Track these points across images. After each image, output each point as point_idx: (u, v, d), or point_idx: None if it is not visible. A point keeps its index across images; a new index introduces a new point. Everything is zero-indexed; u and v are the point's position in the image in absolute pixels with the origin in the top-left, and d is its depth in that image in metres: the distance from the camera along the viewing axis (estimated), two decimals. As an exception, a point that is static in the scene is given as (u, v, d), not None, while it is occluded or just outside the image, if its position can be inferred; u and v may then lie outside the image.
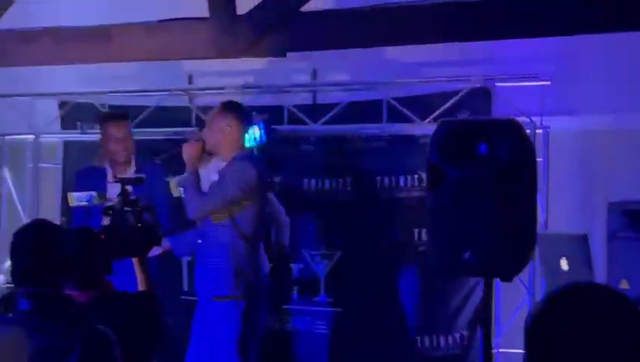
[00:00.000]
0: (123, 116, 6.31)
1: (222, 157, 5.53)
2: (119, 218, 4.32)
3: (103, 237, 4.14)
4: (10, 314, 3.29)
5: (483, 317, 4.20)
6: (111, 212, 4.36)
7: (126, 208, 4.36)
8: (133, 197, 4.45)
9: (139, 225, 4.31)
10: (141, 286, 4.32)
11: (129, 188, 4.50)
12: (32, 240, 3.33)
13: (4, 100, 6.94)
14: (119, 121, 6.17)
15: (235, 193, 5.32)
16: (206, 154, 5.57)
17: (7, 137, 7.16)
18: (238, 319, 5.35)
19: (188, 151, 5.44)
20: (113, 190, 5.95)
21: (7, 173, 7.17)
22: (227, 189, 5.33)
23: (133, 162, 6.19)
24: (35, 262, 3.27)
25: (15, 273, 3.30)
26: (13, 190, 7.14)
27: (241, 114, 5.53)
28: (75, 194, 4.86)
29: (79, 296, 3.76)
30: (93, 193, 4.73)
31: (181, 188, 5.56)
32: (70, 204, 4.86)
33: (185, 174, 5.49)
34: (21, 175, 7.20)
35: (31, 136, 7.13)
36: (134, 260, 4.37)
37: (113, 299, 3.89)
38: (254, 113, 6.18)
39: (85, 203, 4.79)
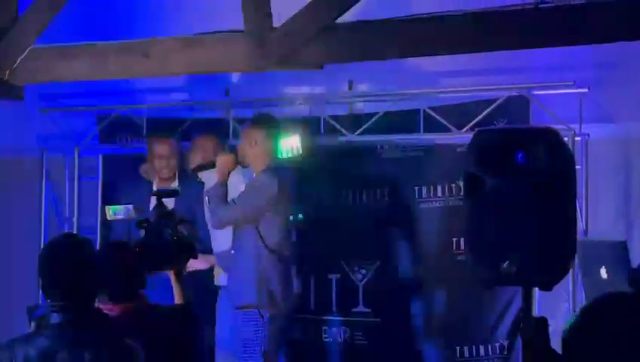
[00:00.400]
0: (169, 133, 6.38)
1: (253, 169, 5.67)
2: (154, 231, 4.33)
3: (137, 250, 4.16)
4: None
5: (523, 327, 4.16)
6: (145, 225, 4.37)
7: (162, 221, 4.37)
8: (169, 210, 4.47)
9: (175, 238, 4.32)
10: (177, 300, 4.33)
11: (166, 200, 4.53)
12: (61, 254, 3.32)
13: (44, 115, 7.03)
14: (163, 138, 6.25)
15: (254, 206, 5.54)
16: (240, 165, 5.71)
17: (47, 151, 7.24)
18: (260, 328, 5.45)
19: (221, 163, 5.65)
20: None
21: (47, 187, 7.25)
22: (247, 202, 5.55)
23: (176, 178, 6.26)
24: (64, 275, 3.26)
25: (45, 287, 3.30)
26: (53, 204, 7.22)
27: (270, 127, 5.67)
28: (111, 207, 4.90)
29: (112, 309, 3.78)
30: (130, 206, 4.76)
31: (207, 198, 5.68)
32: (108, 218, 4.89)
33: (213, 184, 5.65)
34: (61, 189, 7.27)
35: (70, 150, 7.20)
36: (170, 273, 4.38)
37: (147, 313, 3.90)
38: (291, 124, 6.23)
39: (122, 216, 4.82)
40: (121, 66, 5.30)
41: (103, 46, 5.34)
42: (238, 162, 5.73)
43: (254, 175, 5.74)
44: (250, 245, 5.58)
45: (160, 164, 6.21)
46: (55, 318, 3.21)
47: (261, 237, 5.56)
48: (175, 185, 6.19)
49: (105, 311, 3.66)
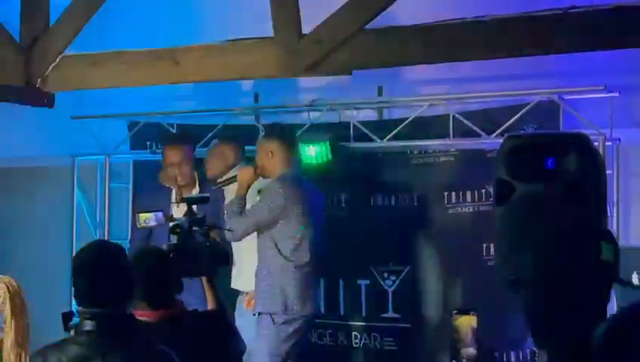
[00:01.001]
0: (181, 139, 6.37)
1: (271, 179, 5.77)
2: (187, 237, 4.35)
3: (172, 256, 4.17)
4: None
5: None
6: (178, 230, 4.39)
7: (193, 227, 4.38)
8: (200, 217, 4.48)
9: (208, 244, 4.34)
10: (210, 305, 4.35)
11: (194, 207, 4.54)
12: (93, 262, 3.32)
13: (75, 122, 7.09)
14: (175, 145, 6.24)
15: (263, 215, 5.63)
16: (261, 177, 5.83)
17: (78, 158, 7.29)
18: (274, 335, 5.48)
19: (241, 176, 5.79)
20: (176, 211, 6.07)
21: (78, 194, 7.31)
22: (257, 212, 5.66)
23: (197, 183, 6.27)
24: (96, 283, 3.26)
25: (78, 294, 3.29)
26: (84, 210, 7.27)
27: (284, 137, 5.74)
28: (142, 215, 4.91)
29: (149, 315, 3.80)
30: (160, 214, 4.76)
31: (225, 211, 5.76)
32: (138, 226, 4.90)
33: (232, 198, 5.76)
34: (92, 195, 7.32)
35: (101, 157, 7.25)
36: (203, 279, 4.39)
37: (183, 319, 3.91)
38: (320, 130, 6.25)
39: (153, 223, 4.83)
40: (152, 73, 5.32)
41: (134, 53, 5.37)
42: (259, 174, 5.82)
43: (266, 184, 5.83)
44: (265, 253, 5.67)
45: (172, 172, 6.21)
46: (87, 325, 3.20)
47: (275, 245, 5.63)
48: (196, 191, 6.22)
49: (140, 318, 3.68)
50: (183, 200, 4.83)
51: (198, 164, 6.40)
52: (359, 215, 6.44)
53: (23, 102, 5.69)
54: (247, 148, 6.35)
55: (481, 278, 6.03)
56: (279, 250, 5.63)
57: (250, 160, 6.04)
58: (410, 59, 5.07)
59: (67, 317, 3.33)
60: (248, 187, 5.80)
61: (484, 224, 6.02)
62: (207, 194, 4.98)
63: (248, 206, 5.75)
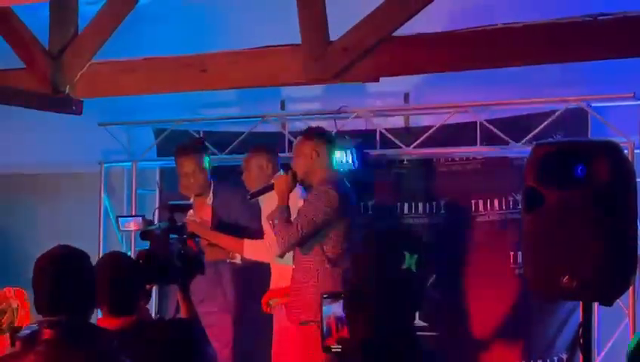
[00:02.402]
0: (192, 149, 6.31)
1: (311, 183, 5.56)
2: (159, 243, 4.19)
3: (141, 262, 4.03)
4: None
5: (582, 341, 4.12)
6: (149, 237, 4.26)
7: (170, 235, 4.25)
8: (179, 224, 4.37)
9: (182, 252, 4.17)
10: (184, 314, 4.15)
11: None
12: (54, 268, 3.21)
13: (103, 129, 7.12)
14: (188, 155, 6.20)
15: (319, 219, 5.39)
16: (298, 184, 5.63)
17: (105, 164, 7.33)
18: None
19: (278, 185, 5.52)
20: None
21: (105, 200, 7.34)
22: (312, 216, 5.39)
23: (211, 191, 6.23)
24: (56, 289, 3.16)
25: (37, 302, 3.19)
26: (111, 216, 7.30)
27: (326, 138, 5.59)
28: (121, 218, 4.85)
29: (111, 323, 3.69)
30: (139, 218, 4.72)
31: (270, 223, 5.57)
32: (119, 229, 4.84)
33: (275, 208, 5.53)
34: (119, 201, 7.35)
35: (128, 163, 7.28)
36: (178, 288, 4.22)
37: (147, 327, 3.63)
38: (346, 137, 6.23)
39: (132, 228, 4.75)
40: (179, 80, 5.35)
41: (161, 60, 5.40)
42: (299, 180, 5.59)
43: (312, 189, 5.59)
44: (310, 260, 5.48)
45: (186, 181, 6.19)
46: (46, 334, 3.08)
47: (323, 251, 5.44)
48: (210, 199, 6.22)
49: (101, 325, 3.59)
50: (166, 205, 4.72)
51: (213, 171, 6.37)
52: (385, 222, 6.42)
53: (51, 109, 5.72)
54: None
55: (509, 287, 6.00)
56: (328, 256, 5.43)
57: (284, 167, 5.80)
58: (437, 67, 5.07)
59: (14, 332, 3.23)
60: (288, 194, 5.53)
61: (512, 232, 6.00)
62: (190, 201, 4.92)
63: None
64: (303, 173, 5.55)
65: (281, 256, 5.60)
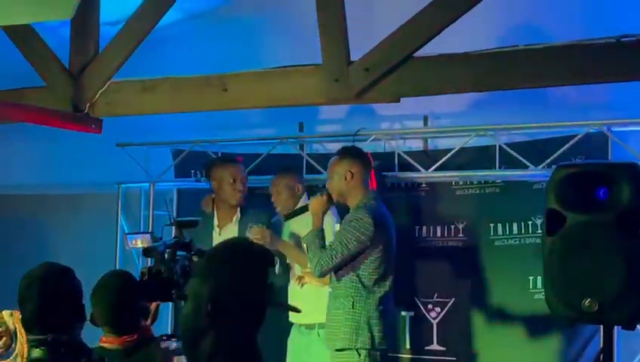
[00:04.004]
0: (232, 160, 6.42)
1: (349, 204, 5.48)
2: (162, 260, 4.15)
3: (144, 279, 3.99)
4: None
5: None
6: (152, 254, 4.22)
7: (178, 252, 4.21)
8: (186, 241, 4.33)
9: (187, 269, 4.12)
10: None
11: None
12: (35, 285, 3.18)
13: (120, 149, 7.13)
14: (238, 166, 6.30)
15: (353, 246, 5.28)
16: (333, 205, 5.59)
17: (123, 185, 7.32)
18: None
19: (314, 206, 5.47)
20: (217, 238, 6.06)
21: (122, 221, 7.33)
22: (346, 243, 5.29)
23: (237, 211, 6.27)
24: (40, 307, 3.13)
25: (25, 320, 3.17)
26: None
27: (361, 156, 5.54)
28: (129, 236, 4.84)
29: (112, 341, 3.67)
30: (148, 235, 4.69)
31: (304, 246, 5.54)
32: (126, 247, 4.82)
33: (310, 231, 5.47)
34: (136, 222, 7.34)
35: (146, 184, 7.27)
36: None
37: (147, 346, 3.71)
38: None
39: (139, 245, 4.73)
40: (200, 100, 5.34)
41: (182, 80, 5.40)
42: (334, 201, 5.52)
43: (350, 212, 5.46)
44: (345, 285, 5.37)
45: (231, 188, 6.25)
46: (36, 353, 3.05)
47: (358, 277, 5.36)
48: (237, 217, 6.24)
49: (103, 344, 3.56)
50: (173, 222, 4.71)
51: None
52: (403, 245, 6.38)
53: (70, 128, 5.73)
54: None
55: (528, 311, 5.95)
56: (364, 282, 5.34)
57: (319, 189, 5.77)
58: (458, 88, 5.05)
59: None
60: (324, 216, 5.46)
61: (531, 257, 5.95)
62: (198, 218, 4.90)
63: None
64: (338, 194, 5.48)
65: (321, 277, 5.50)
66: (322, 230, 5.41)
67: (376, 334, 5.33)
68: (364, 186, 5.49)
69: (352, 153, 5.57)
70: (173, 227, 4.62)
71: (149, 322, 4.11)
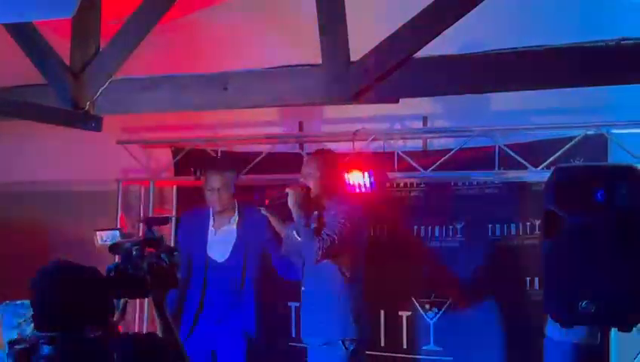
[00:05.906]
0: (223, 166, 6.37)
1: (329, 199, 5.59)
2: (128, 257, 4.00)
3: (112, 276, 3.85)
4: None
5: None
6: (118, 250, 4.22)
7: (145, 248, 4.19)
8: (156, 237, 4.31)
9: (155, 266, 3.98)
10: (160, 332, 4.11)
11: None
12: (44, 281, 3.17)
13: (121, 147, 7.13)
14: (217, 171, 6.23)
15: (348, 230, 5.39)
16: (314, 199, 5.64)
17: (123, 182, 7.33)
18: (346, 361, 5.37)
19: (291, 197, 5.56)
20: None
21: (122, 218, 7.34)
22: (341, 227, 5.39)
23: (235, 210, 6.26)
24: (56, 304, 3.12)
25: (35, 317, 3.15)
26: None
27: (328, 159, 5.64)
28: (100, 233, 4.81)
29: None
30: (117, 232, 4.66)
31: (296, 235, 5.57)
32: (96, 244, 4.80)
33: (295, 221, 5.54)
34: (136, 219, 7.34)
35: (146, 182, 7.28)
36: (152, 303, 4.17)
37: (111, 343, 3.50)
38: (365, 159, 6.22)
39: (109, 242, 4.70)
40: (200, 99, 5.34)
41: (183, 78, 5.40)
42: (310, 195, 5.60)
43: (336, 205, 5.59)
44: (329, 278, 5.46)
45: (211, 196, 6.23)
46: (45, 350, 3.05)
47: (341, 269, 5.45)
48: (235, 218, 6.24)
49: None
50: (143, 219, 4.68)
51: (239, 191, 6.37)
52: (402, 245, 6.40)
53: (71, 125, 5.72)
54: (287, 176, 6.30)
55: (525, 312, 5.96)
56: (345, 274, 5.46)
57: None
58: (457, 89, 5.04)
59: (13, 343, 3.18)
60: (306, 203, 5.55)
61: (529, 257, 5.97)
62: (168, 215, 4.91)
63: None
64: (313, 194, 5.59)
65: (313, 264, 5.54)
66: (306, 217, 5.47)
67: (362, 324, 5.45)
68: (335, 186, 5.61)
69: (320, 155, 5.75)
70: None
71: (116, 318, 4.11)
